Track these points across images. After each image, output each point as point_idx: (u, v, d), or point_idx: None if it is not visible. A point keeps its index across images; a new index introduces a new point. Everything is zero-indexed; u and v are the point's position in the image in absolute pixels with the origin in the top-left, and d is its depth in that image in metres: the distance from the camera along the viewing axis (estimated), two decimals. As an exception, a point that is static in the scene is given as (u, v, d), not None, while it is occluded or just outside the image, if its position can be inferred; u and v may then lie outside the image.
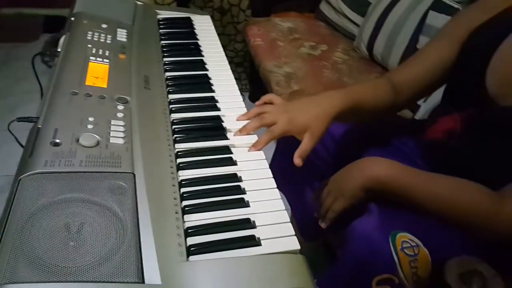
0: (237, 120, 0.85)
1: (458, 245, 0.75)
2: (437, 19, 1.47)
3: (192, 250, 0.59)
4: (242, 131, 0.81)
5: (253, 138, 0.81)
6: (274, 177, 0.73)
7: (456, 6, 1.46)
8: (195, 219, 0.64)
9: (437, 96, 1.02)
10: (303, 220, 1.10)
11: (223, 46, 1.11)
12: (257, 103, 0.89)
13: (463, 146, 0.83)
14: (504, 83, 0.78)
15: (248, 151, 0.79)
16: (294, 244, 0.63)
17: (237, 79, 0.99)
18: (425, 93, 0.95)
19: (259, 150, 0.79)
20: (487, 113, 0.80)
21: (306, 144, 0.80)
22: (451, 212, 0.75)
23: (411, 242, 0.71)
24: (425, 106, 1.34)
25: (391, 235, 0.71)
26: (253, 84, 2.24)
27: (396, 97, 0.92)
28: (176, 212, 0.64)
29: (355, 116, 0.88)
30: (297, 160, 0.79)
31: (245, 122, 0.83)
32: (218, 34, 1.17)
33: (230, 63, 1.04)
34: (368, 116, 0.92)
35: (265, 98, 0.89)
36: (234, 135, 0.81)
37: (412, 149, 0.96)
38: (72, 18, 1.03)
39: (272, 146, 1.12)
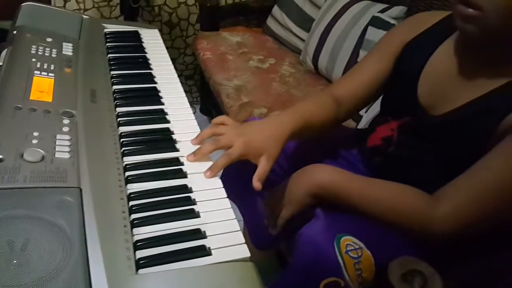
0: (191, 143, 0.83)
1: (400, 246, 0.79)
2: (376, 34, 1.54)
3: (141, 263, 0.59)
4: (196, 155, 0.79)
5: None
6: (225, 188, 0.74)
7: (392, 22, 1.54)
8: (144, 232, 0.63)
9: (377, 106, 1.08)
10: (255, 229, 1.11)
11: (173, 60, 1.12)
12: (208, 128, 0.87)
13: (399, 152, 0.88)
14: (432, 94, 0.84)
15: (205, 176, 0.76)
16: (244, 252, 0.63)
17: (187, 92, 1.00)
18: (364, 104, 1.00)
19: (215, 175, 0.77)
20: (419, 121, 0.85)
21: (263, 167, 0.79)
22: (388, 215, 0.78)
23: (355, 245, 0.74)
24: (367, 116, 1.40)
25: (336, 239, 0.73)
26: (204, 97, 2.25)
27: (339, 110, 0.95)
28: (125, 226, 0.63)
29: (305, 133, 0.90)
30: (257, 184, 0.78)
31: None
32: (167, 48, 1.17)
33: (180, 76, 1.05)
34: (316, 132, 0.94)
35: (217, 120, 0.88)
36: (187, 159, 0.79)
37: (355, 156, 1.01)
38: (15, 32, 1.00)
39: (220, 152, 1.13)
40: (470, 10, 0.69)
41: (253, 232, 1.11)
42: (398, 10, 1.61)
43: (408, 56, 0.90)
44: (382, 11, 1.63)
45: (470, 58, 0.80)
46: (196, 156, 0.79)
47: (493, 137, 0.74)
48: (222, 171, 1.08)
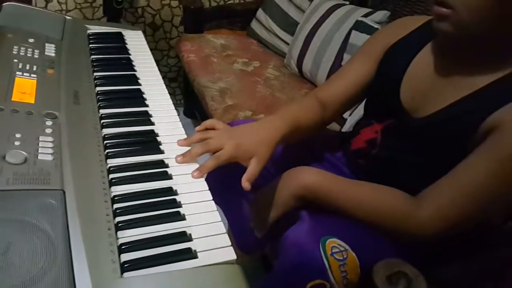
0: (178, 145, 0.82)
1: (385, 249, 0.80)
2: (359, 39, 1.56)
3: (126, 267, 0.58)
4: (186, 157, 0.78)
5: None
6: (210, 191, 0.74)
7: (376, 26, 1.56)
8: (129, 235, 0.63)
9: (361, 109, 1.09)
10: (240, 233, 1.11)
11: (156, 61, 1.11)
12: (197, 128, 0.87)
13: (383, 154, 0.89)
14: (415, 97, 0.85)
15: (192, 176, 0.76)
16: (230, 254, 0.63)
17: (171, 94, 0.99)
18: (348, 106, 1.01)
19: (203, 175, 0.77)
20: (402, 124, 0.86)
21: (253, 168, 0.79)
22: (372, 217, 0.79)
23: (340, 247, 0.74)
24: (351, 120, 1.42)
25: (321, 241, 0.73)
26: (188, 99, 2.25)
27: (324, 113, 0.97)
28: (109, 229, 0.62)
29: (293, 137, 0.90)
30: (246, 184, 0.77)
31: (186, 148, 0.81)
32: (151, 49, 1.17)
33: (163, 78, 1.04)
34: (303, 135, 0.95)
35: (207, 123, 0.87)
36: (176, 160, 0.78)
37: (339, 159, 1.02)
38: (-4, 32, 0.99)
39: (205, 156, 1.13)
40: (444, 9, 0.73)
41: (238, 236, 1.11)
42: (381, 14, 1.63)
43: (391, 59, 0.91)
44: (366, 15, 1.65)
45: (450, 61, 0.82)
46: (186, 157, 0.79)
47: (474, 138, 0.75)
48: (207, 175, 1.08)
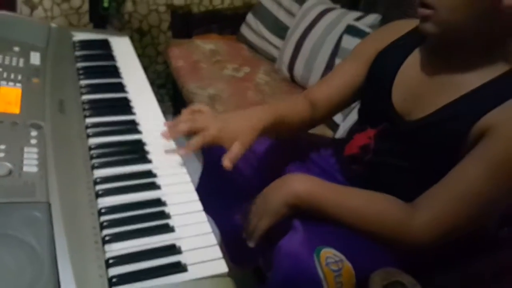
0: (164, 125, 0.86)
1: (380, 258, 0.78)
2: (351, 43, 1.55)
3: (114, 281, 0.57)
4: (171, 132, 0.82)
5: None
6: (201, 202, 0.73)
7: (367, 30, 1.56)
8: (116, 249, 0.62)
9: (354, 115, 1.08)
10: (232, 245, 1.10)
11: (144, 68, 1.09)
12: (184, 110, 0.89)
13: (377, 160, 0.89)
14: (406, 100, 0.85)
15: (178, 153, 0.80)
16: (221, 267, 0.62)
17: (159, 101, 0.98)
18: (338, 108, 1.02)
19: (188, 153, 0.80)
20: (395, 128, 0.86)
21: (235, 149, 0.81)
22: (365, 224, 0.78)
23: (335, 257, 0.73)
24: (344, 126, 1.41)
25: (316, 251, 0.72)
26: (176, 106, 2.23)
27: (313, 112, 0.98)
28: (96, 242, 0.61)
29: (278, 130, 0.92)
30: (226, 162, 0.80)
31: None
32: (138, 56, 1.15)
33: (152, 85, 1.03)
34: (289, 131, 0.97)
35: (194, 107, 0.89)
36: (162, 136, 0.82)
37: (332, 166, 1.01)
38: (-21, 40, 0.97)
39: (198, 169, 1.11)
40: (426, 10, 0.75)
41: (230, 248, 1.10)
42: (372, 18, 1.63)
43: (382, 62, 0.92)
44: (357, 19, 1.65)
45: (440, 63, 0.82)
46: (171, 133, 0.83)
47: (467, 140, 0.75)
48: (197, 184, 1.06)
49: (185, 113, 0.87)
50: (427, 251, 0.79)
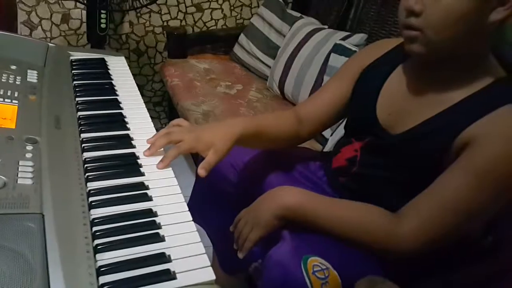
0: (146, 142, 0.87)
1: (366, 266, 0.80)
2: (338, 61, 1.59)
3: (105, 289, 0.58)
4: (151, 149, 0.84)
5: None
6: (193, 213, 0.74)
7: (354, 48, 1.59)
8: (108, 258, 0.63)
9: (342, 129, 1.11)
10: (224, 254, 1.11)
11: (141, 86, 1.12)
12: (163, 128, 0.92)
13: (363, 172, 0.91)
14: (391, 114, 0.88)
15: (157, 167, 0.82)
16: (209, 275, 0.63)
17: (156, 118, 1.01)
18: (325, 125, 1.04)
19: (166, 165, 0.82)
20: (380, 141, 0.88)
21: (210, 157, 0.83)
22: (354, 234, 0.80)
23: (322, 265, 0.74)
24: (332, 140, 1.43)
25: (303, 260, 0.74)
26: (172, 124, 2.24)
27: (300, 127, 1.00)
28: (88, 251, 0.62)
29: (258, 141, 0.94)
30: (201, 171, 0.82)
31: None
32: (135, 75, 1.18)
33: (148, 102, 1.06)
34: (271, 143, 0.99)
35: (173, 122, 0.93)
36: (144, 154, 0.84)
37: (320, 178, 1.03)
38: (-23, 59, 1.00)
39: (191, 183, 1.13)
40: (413, 32, 0.77)
41: (222, 257, 1.11)
42: (359, 37, 1.67)
43: (366, 78, 0.94)
44: (344, 38, 1.69)
45: (424, 78, 0.84)
46: (151, 149, 0.84)
47: (449, 153, 0.77)
48: (190, 196, 1.08)
49: (164, 129, 0.90)
50: (413, 260, 0.80)
